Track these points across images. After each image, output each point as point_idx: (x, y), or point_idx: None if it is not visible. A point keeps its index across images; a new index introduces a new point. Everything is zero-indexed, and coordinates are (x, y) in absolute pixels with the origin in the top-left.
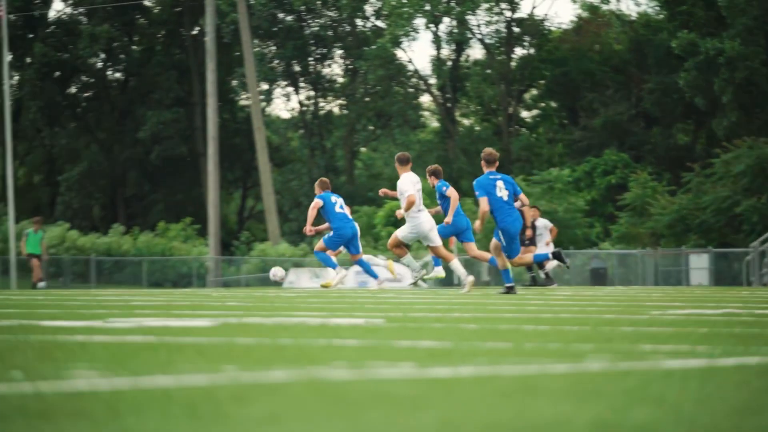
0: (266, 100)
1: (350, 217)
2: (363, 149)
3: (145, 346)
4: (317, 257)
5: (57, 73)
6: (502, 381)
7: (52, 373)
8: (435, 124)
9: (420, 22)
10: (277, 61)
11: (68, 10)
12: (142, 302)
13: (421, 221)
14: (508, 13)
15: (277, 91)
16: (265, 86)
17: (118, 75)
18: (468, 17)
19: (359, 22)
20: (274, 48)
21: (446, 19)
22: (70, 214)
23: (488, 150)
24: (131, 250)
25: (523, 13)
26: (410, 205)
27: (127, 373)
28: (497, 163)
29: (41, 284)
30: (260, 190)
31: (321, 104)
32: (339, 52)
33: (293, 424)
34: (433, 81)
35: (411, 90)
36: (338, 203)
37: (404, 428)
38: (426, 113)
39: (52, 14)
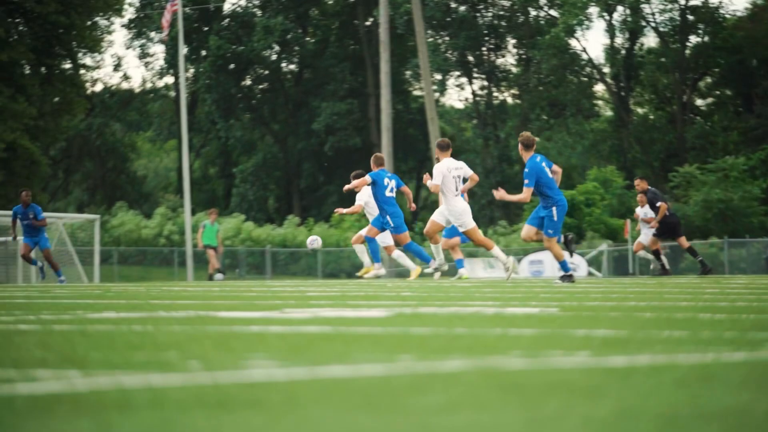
0: (440, 91)
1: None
2: (537, 139)
3: (321, 337)
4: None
5: (232, 66)
6: (679, 370)
7: (230, 363)
8: (609, 113)
9: (593, 10)
10: (450, 52)
11: (243, 2)
12: (318, 293)
13: (457, 206)
14: (683, 1)
15: (451, 82)
16: (438, 77)
17: (292, 67)
18: (642, 5)
19: (532, 11)
20: (447, 38)
21: (620, 8)
22: (245, 205)
23: (527, 134)
24: (306, 241)
25: (697, 0)
26: (434, 191)
27: (304, 363)
28: (535, 146)
29: (218, 276)
30: None
31: (494, 94)
32: (512, 41)
33: (470, 413)
34: (606, 70)
35: (585, 79)
36: (390, 186)
37: (581, 417)
38: (600, 102)
39: (227, 7)
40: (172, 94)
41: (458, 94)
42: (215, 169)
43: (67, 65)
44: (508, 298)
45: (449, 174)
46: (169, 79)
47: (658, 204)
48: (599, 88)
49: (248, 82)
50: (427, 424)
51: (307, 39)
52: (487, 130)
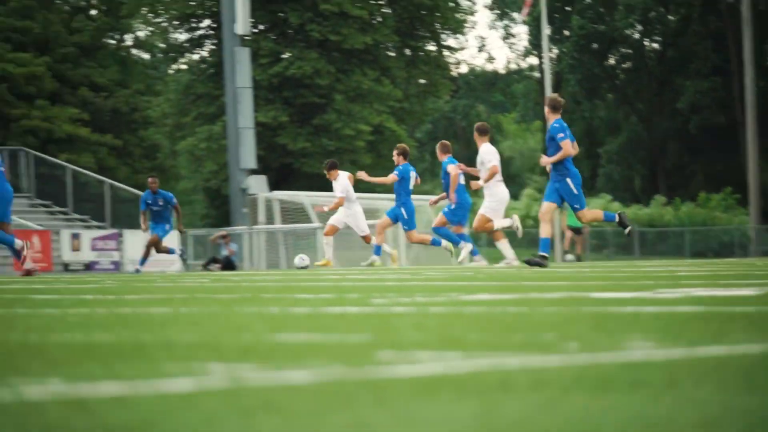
0: None
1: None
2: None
3: (695, 316)
4: (438, 233)
5: (595, 45)
6: None
7: (607, 344)
8: None
9: None
10: None
11: None
12: (688, 272)
13: (501, 191)
14: None
15: None
16: None
17: (655, 45)
18: None
19: None
20: None
21: None
22: (611, 185)
23: (555, 96)
24: (673, 220)
25: None
26: (492, 176)
27: (680, 344)
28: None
29: (568, 257)
30: None
31: None
32: None
33: None
34: None
35: None
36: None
37: None
38: None
39: None
40: (537, 74)
41: None
42: (581, 149)
43: (431, 47)
44: None
45: (496, 158)
46: (533, 60)
47: None
48: None
49: (612, 61)
50: None
51: (670, 17)
52: None
